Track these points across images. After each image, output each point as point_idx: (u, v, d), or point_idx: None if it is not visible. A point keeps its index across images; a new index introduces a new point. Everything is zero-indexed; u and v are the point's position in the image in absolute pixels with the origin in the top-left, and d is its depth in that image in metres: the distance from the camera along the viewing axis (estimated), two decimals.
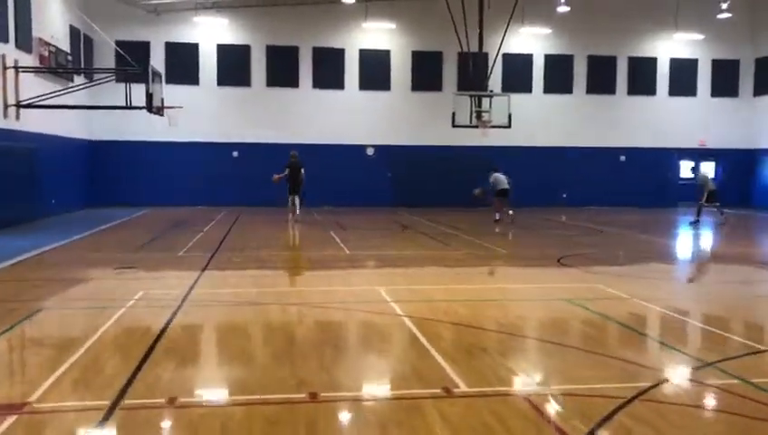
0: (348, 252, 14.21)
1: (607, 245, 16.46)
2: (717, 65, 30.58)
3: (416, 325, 7.68)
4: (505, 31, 25.38)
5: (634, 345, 7.25)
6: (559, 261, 13.10)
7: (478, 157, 25.54)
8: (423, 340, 7.06)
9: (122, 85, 20.07)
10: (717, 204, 21.64)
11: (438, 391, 5.50)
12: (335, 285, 10.51)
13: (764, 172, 30.54)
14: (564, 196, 29.45)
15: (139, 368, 6.04)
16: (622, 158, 30.08)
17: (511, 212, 20.68)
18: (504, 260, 13.64)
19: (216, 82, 27.63)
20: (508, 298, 9.81)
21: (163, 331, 7.40)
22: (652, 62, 30.23)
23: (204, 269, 11.66)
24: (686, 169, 31.05)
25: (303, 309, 8.69)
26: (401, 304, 8.81)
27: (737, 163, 30.76)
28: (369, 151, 28.47)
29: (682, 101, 30.50)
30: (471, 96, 23.74)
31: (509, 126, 23.86)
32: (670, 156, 30.35)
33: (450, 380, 5.79)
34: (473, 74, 24.80)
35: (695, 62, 30.52)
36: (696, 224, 21.23)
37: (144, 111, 19.40)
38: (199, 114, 26.54)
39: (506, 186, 20.71)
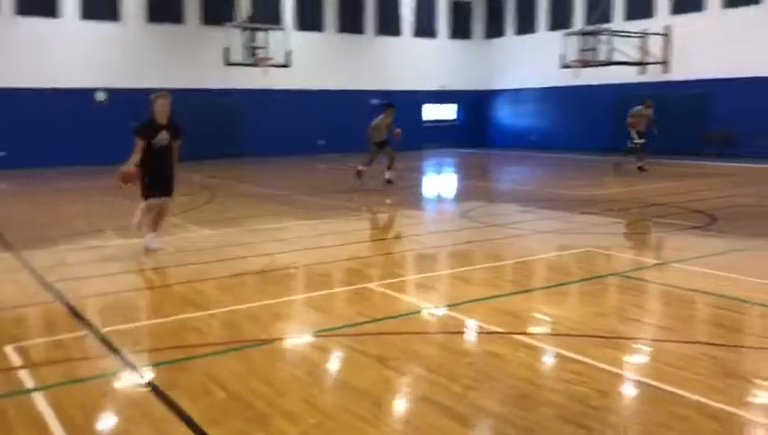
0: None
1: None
2: (454, 6, 30.61)
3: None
4: None
5: None
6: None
7: (223, 103, 22.48)
8: None
9: None
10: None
11: None
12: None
13: (495, 113, 31.74)
14: (322, 142, 27.31)
15: None
16: (374, 101, 28.73)
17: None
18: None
19: None
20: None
21: None
22: (395, 1, 29.13)
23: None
24: (429, 112, 30.97)
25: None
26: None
27: (475, 105, 31.50)
28: (100, 97, 22.91)
29: (424, 43, 30.04)
30: (244, 28, 20.07)
31: (288, 65, 20.79)
32: (416, 98, 29.86)
33: None
34: (222, 3, 21.07)
35: (433, 3, 30.15)
36: None
37: None
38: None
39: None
